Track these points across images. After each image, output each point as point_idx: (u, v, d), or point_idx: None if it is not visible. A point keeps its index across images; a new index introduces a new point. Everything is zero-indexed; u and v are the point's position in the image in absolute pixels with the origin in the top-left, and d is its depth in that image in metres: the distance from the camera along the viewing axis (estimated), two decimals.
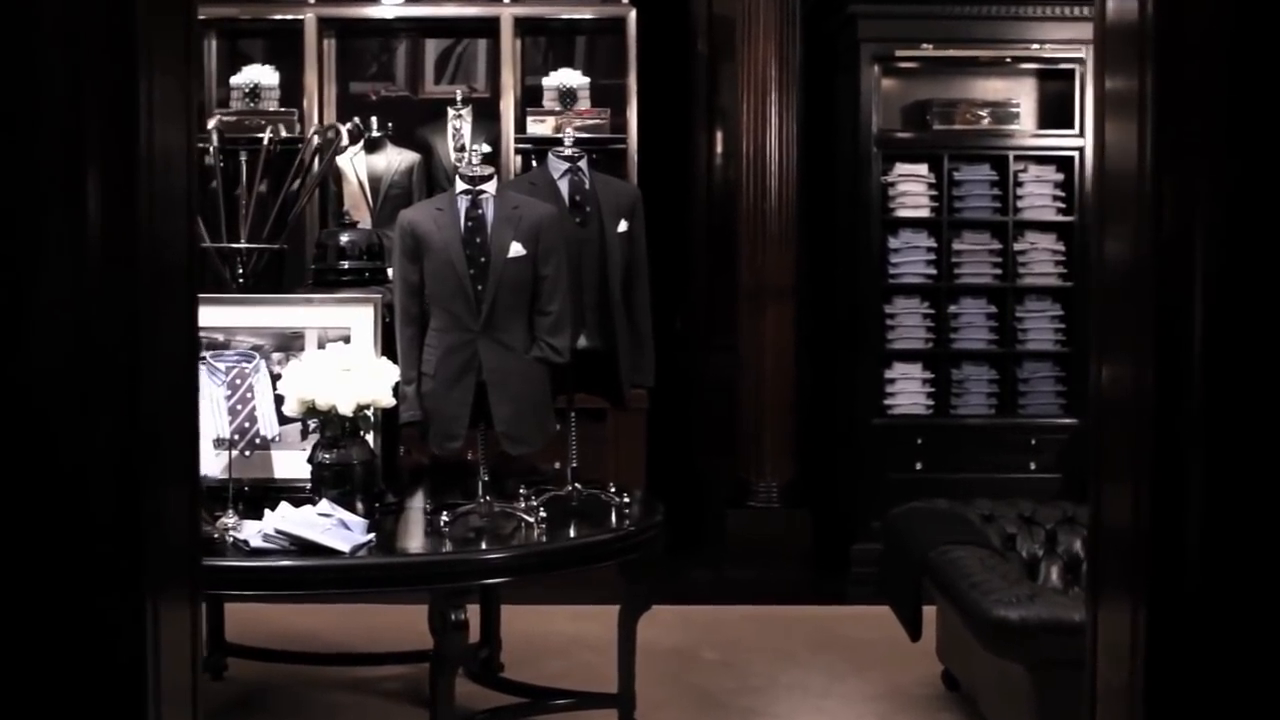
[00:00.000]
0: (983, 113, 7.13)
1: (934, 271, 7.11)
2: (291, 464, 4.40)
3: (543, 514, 4.33)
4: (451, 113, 6.62)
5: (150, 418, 2.03)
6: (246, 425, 4.27)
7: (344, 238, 4.82)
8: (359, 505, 4.20)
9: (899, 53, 7.06)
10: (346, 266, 4.78)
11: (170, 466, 2.13)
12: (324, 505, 4.12)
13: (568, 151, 4.72)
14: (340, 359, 4.28)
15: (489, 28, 7.04)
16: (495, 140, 6.72)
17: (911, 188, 7.10)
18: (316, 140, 5.56)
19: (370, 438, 4.33)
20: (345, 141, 5.69)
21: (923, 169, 7.11)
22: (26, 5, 1.96)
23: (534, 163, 6.42)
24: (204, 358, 4.34)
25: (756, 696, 5.26)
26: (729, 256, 7.40)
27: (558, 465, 4.76)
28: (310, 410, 4.24)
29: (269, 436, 4.32)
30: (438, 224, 4.39)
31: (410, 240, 4.40)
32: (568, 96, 6.83)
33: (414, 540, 4.34)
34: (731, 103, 7.45)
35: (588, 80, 6.91)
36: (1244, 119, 2.03)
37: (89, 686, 2.02)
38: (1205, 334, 2.03)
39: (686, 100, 7.94)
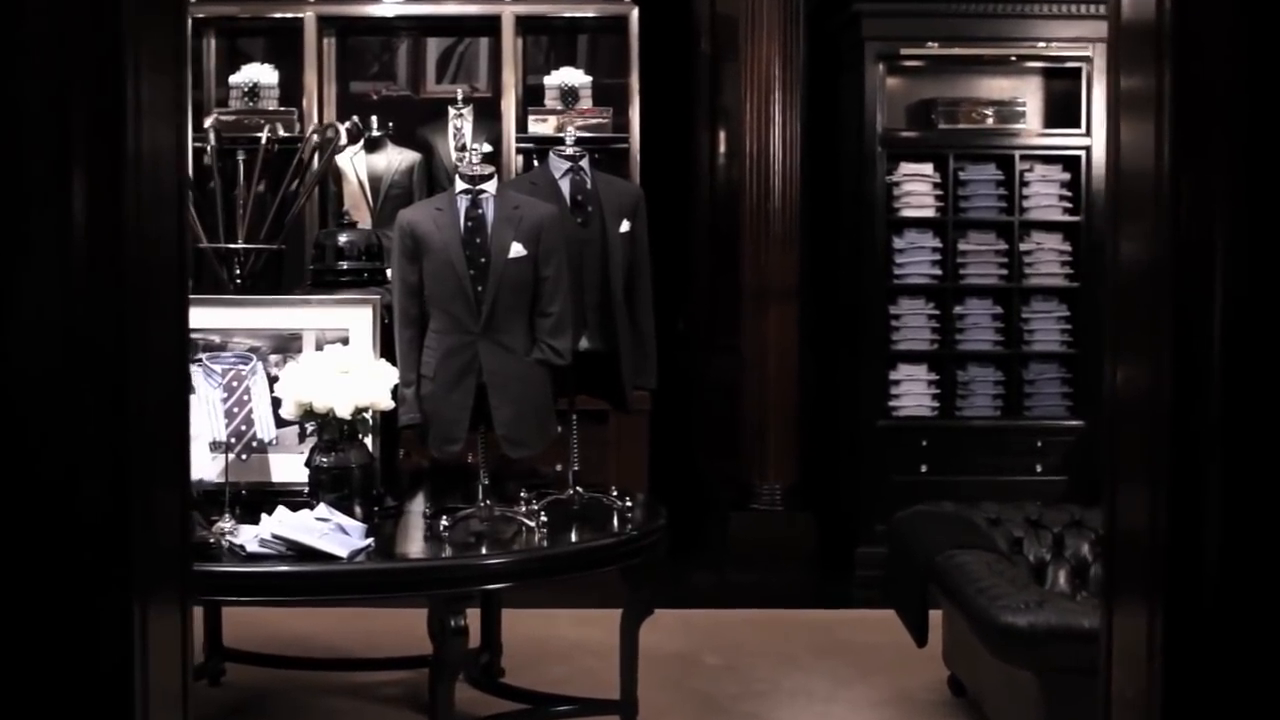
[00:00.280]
0: (988, 112, 7.08)
1: (939, 272, 7.06)
2: (289, 467, 4.36)
3: (544, 518, 4.28)
4: (452, 112, 6.58)
5: (139, 419, 2.01)
6: (243, 428, 4.22)
7: (342, 238, 4.78)
8: (357, 509, 4.16)
9: (904, 51, 7.02)
10: (345, 267, 4.74)
11: (160, 468, 2.11)
12: (321, 509, 4.08)
13: (569, 151, 4.67)
14: (338, 361, 4.24)
15: (490, 26, 7.01)
16: (496, 140, 6.68)
17: (916, 187, 7.06)
18: (315, 139, 5.52)
19: (369, 441, 4.29)
20: (344, 141, 5.65)
21: (927, 168, 7.07)
22: (9, 4, 1.94)
23: (535, 162, 6.37)
24: (200, 359, 4.30)
25: (760, 702, 5.21)
26: (732, 257, 7.36)
27: (559, 468, 4.73)
28: (308, 413, 4.20)
29: (266, 439, 4.27)
30: (437, 224, 4.34)
31: (409, 240, 4.35)
32: (569, 96, 6.80)
33: (413, 545, 4.30)
34: (735, 102, 7.41)
35: (590, 79, 6.87)
36: (1263, 117, 2.00)
37: (75, 690, 1.99)
38: (1224, 334, 2.01)
39: (689, 99, 7.90)
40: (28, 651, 1.98)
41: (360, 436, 4.25)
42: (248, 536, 3.93)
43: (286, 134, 6.34)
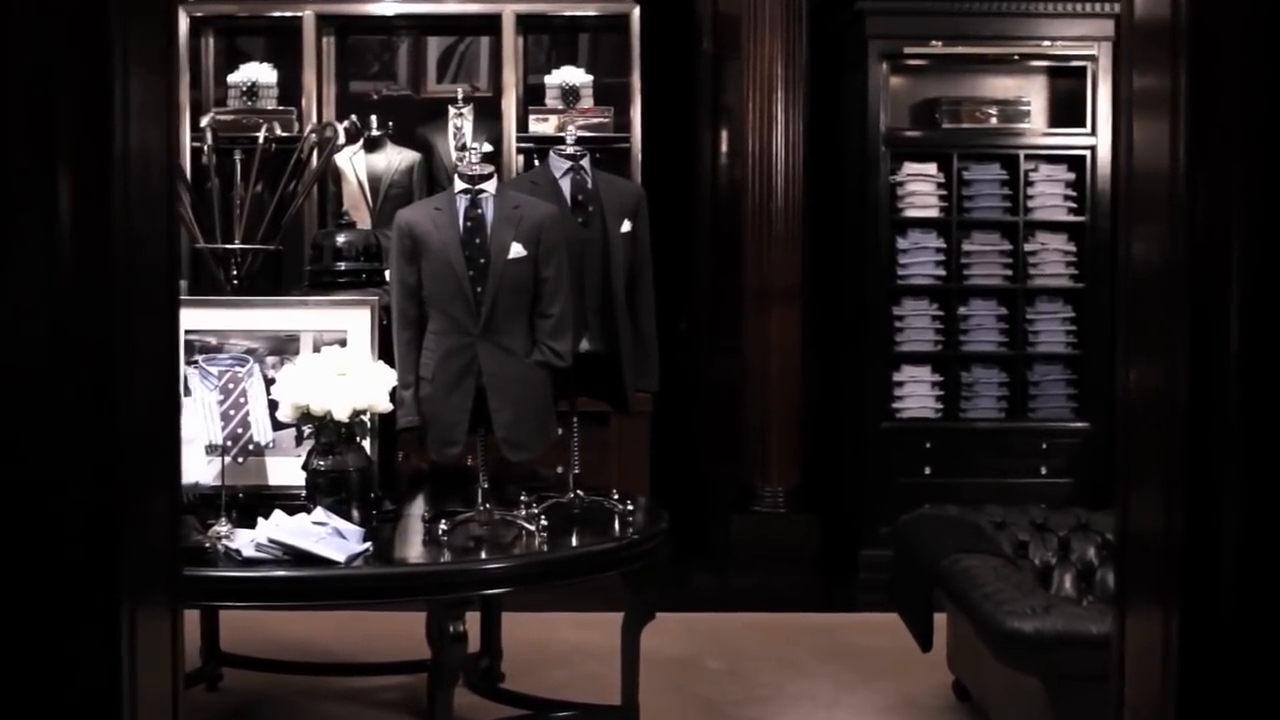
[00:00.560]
0: (992, 111, 7.05)
1: (943, 272, 7.02)
2: (286, 471, 4.32)
3: (544, 522, 4.23)
4: (452, 111, 6.54)
5: (127, 421, 1.99)
6: (240, 431, 4.17)
7: (340, 238, 4.75)
8: (355, 513, 4.12)
9: (907, 50, 6.98)
10: (343, 268, 4.71)
11: (149, 471, 2.09)
12: (319, 513, 4.04)
13: (570, 150, 4.63)
14: (336, 363, 4.20)
15: (491, 25, 6.98)
16: (497, 139, 6.65)
17: (920, 187, 7.02)
18: (313, 139, 5.47)
19: (366, 444, 4.25)
20: (342, 140, 5.61)
21: (931, 168, 7.03)
22: None
23: (536, 162, 6.33)
24: (196, 361, 4.27)
25: (763, 707, 5.17)
26: (734, 257, 7.32)
27: (559, 471, 4.70)
28: (305, 415, 4.16)
29: (263, 443, 4.22)
30: (436, 224, 4.30)
31: (408, 241, 4.30)
32: (570, 95, 6.77)
33: (411, 549, 4.26)
34: (737, 101, 7.38)
35: (591, 78, 6.84)
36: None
37: (62, 697, 1.97)
38: (1242, 334, 1.98)
39: (691, 99, 7.86)
40: (12, 658, 1.95)
41: (358, 439, 4.21)
42: (244, 540, 3.88)
43: (285, 133, 6.29)
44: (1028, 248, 7.04)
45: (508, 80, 6.83)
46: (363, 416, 4.18)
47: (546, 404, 4.40)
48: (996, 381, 7.04)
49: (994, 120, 7.04)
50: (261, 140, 5.40)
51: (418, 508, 4.58)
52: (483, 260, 4.25)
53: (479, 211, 4.30)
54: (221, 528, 3.96)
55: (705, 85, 7.85)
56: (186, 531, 3.80)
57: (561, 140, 4.77)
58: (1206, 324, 1.99)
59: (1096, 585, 4.89)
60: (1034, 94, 7.19)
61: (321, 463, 4.15)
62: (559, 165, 4.60)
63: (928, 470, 6.88)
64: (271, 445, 4.27)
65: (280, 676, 5.29)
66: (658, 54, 7.13)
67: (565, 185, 4.58)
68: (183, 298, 4.73)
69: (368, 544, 3.98)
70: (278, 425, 4.25)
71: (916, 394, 6.99)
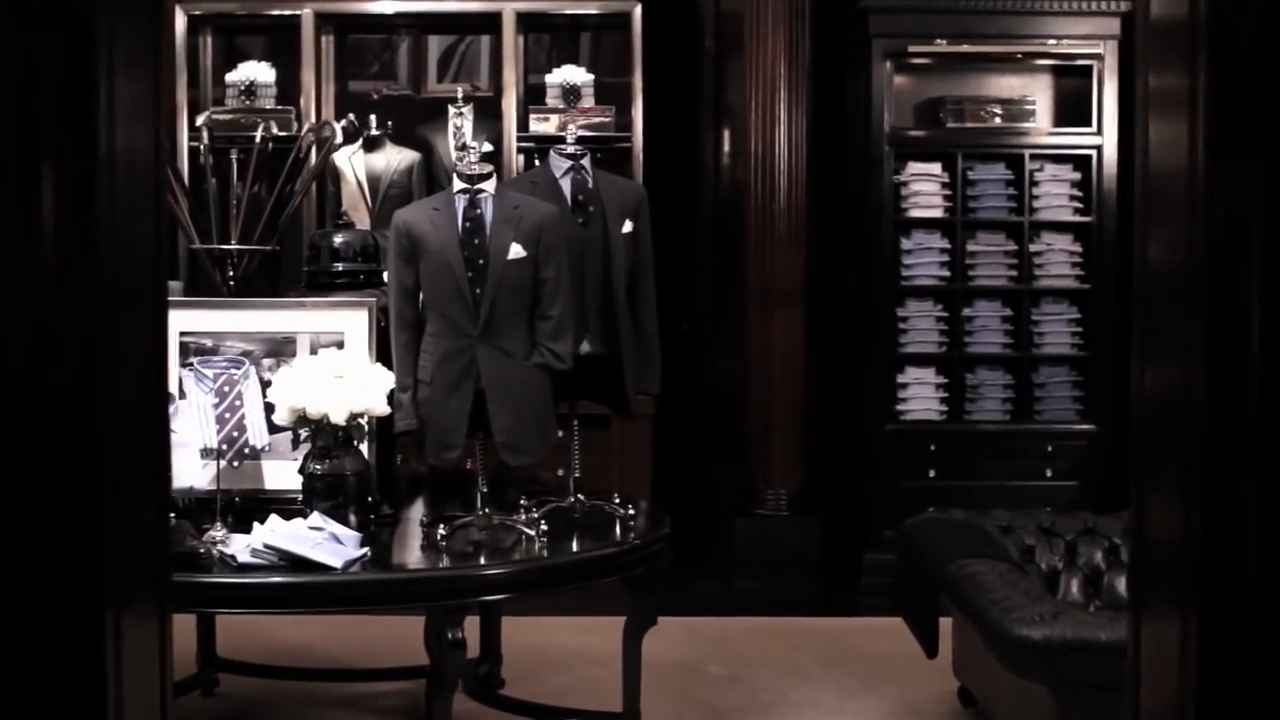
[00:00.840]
0: (997, 110, 7.01)
1: (947, 273, 6.98)
2: (282, 475, 4.27)
3: (544, 527, 4.18)
4: (452, 111, 6.51)
5: (112, 426, 1.96)
6: (235, 434, 4.13)
7: (338, 239, 4.71)
8: (352, 518, 4.07)
9: (911, 49, 6.95)
10: (340, 269, 4.68)
11: (136, 474, 2.06)
12: (315, 518, 3.99)
13: (571, 150, 4.59)
14: (333, 365, 4.16)
15: (491, 24, 6.96)
16: (497, 139, 6.62)
17: (924, 187, 6.99)
18: (311, 138, 5.43)
19: (364, 447, 4.20)
20: (340, 140, 5.57)
21: (936, 168, 6.99)
22: None
23: (536, 161, 6.30)
24: (191, 364, 4.23)
25: (766, 713, 5.13)
26: (737, 258, 7.29)
27: (560, 474, 4.66)
28: (302, 419, 4.11)
29: (259, 446, 4.18)
30: (434, 224, 4.24)
31: (406, 241, 4.25)
32: (571, 94, 6.75)
33: (410, 555, 4.21)
34: (739, 101, 7.34)
35: (592, 78, 6.82)
36: None
37: (46, 706, 1.94)
38: (1263, 333, 1.95)
39: (693, 98, 7.83)
40: None
41: (355, 443, 4.16)
42: (239, 546, 3.83)
43: (283, 133, 6.25)
44: (1033, 248, 6.99)
45: (508, 79, 6.81)
46: (360, 420, 4.13)
47: (546, 407, 4.35)
48: (1001, 383, 6.99)
49: (999, 120, 7.00)
50: (259, 140, 5.36)
51: (416, 512, 4.53)
52: (481, 261, 4.19)
53: (478, 212, 4.25)
54: (217, 533, 3.90)
55: (707, 84, 7.82)
56: (181, 536, 3.76)
57: (562, 140, 4.73)
58: (1226, 324, 1.96)
59: (1104, 591, 4.84)
60: (1039, 93, 7.15)
61: (318, 466, 4.10)
62: (559, 165, 4.56)
63: (932, 473, 6.84)
64: (268, 449, 4.22)
65: (277, 683, 5.24)
66: (659, 53, 7.12)
67: (566, 185, 4.53)
68: (179, 299, 4.71)
69: (365, 549, 3.92)
70: (274, 428, 4.20)
71: (921, 396, 6.95)
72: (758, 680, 5.47)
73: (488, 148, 4.55)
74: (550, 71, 6.87)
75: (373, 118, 6.39)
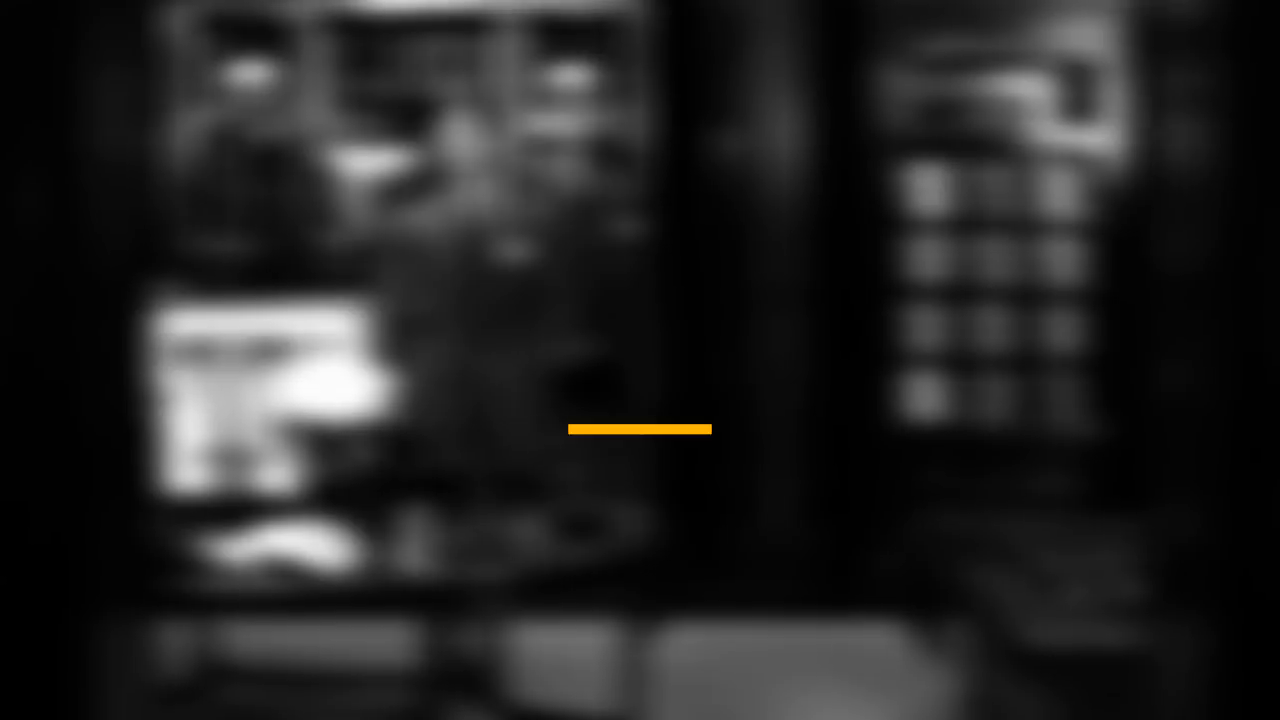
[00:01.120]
0: (1002, 109, 6.98)
1: (951, 274, 6.94)
2: (278, 478, 4.23)
3: (545, 530, 4.17)
4: (452, 110, 6.49)
5: (89, 430, 1.94)
6: (231, 437, 4.10)
7: (336, 239, 4.68)
8: (350, 522, 4.05)
9: (914, 46, 6.91)
10: (339, 269, 4.65)
11: (115, 480, 2.04)
12: (312, 523, 3.99)
13: (572, 149, 4.54)
14: (331, 366, 4.14)
15: (493, 23, 6.93)
16: (498, 139, 6.58)
17: (927, 186, 6.95)
18: (309, 138, 5.41)
19: (362, 450, 4.16)
20: (339, 140, 5.55)
21: (939, 167, 6.95)
22: None
23: (537, 162, 6.28)
24: (188, 364, 4.20)
25: (769, 718, 5.13)
26: (738, 257, 7.24)
27: (561, 478, 4.63)
28: (299, 421, 4.09)
29: (255, 448, 4.14)
30: (434, 225, 4.21)
31: (403, 241, 4.22)
32: (573, 94, 6.71)
33: (407, 560, 4.17)
34: (741, 99, 7.30)
35: (593, 77, 6.78)
36: None
37: (22, 711, 1.93)
38: None
39: (695, 97, 7.79)
40: None
41: (353, 445, 4.13)
42: (234, 551, 3.81)
43: (280, 132, 6.24)
44: (1038, 249, 6.96)
45: (508, 79, 6.78)
46: (358, 421, 4.10)
47: (547, 409, 4.32)
48: (1007, 386, 6.95)
49: (1003, 118, 6.97)
50: (257, 139, 5.34)
51: (414, 516, 4.48)
52: (481, 262, 4.16)
53: (478, 212, 4.22)
54: (212, 537, 3.88)
55: (709, 83, 7.78)
56: (175, 541, 3.75)
57: (563, 139, 4.69)
58: (1252, 325, 1.93)
59: (1114, 596, 4.79)
60: (1045, 92, 7.11)
61: (316, 469, 4.09)
62: (561, 165, 4.52)
63: (938, 476, 6.81)
64: (264, 452, 4.19)
65: (274, 689, 5.25)
66: (662, 51, 7.08)
67: (567, 185, 4.50)
68: (175, 299, 4.69)
69: (363, 555, 3.90)
70: (271, 431, 4.18)
71: (926, 398, 6.92)
72: (761, 683, 5.45)
73: (487, 148, 4.51)
74: (552, 71, 6.83)
75: (370, 117, 6.36)
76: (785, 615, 6.35)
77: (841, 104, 7.26)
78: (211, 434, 4.09)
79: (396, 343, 4.30)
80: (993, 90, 7.05)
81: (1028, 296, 6.94)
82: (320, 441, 4.10)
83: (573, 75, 6.76)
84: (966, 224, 6.93)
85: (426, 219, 4.25)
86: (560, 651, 5.70)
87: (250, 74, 6.66)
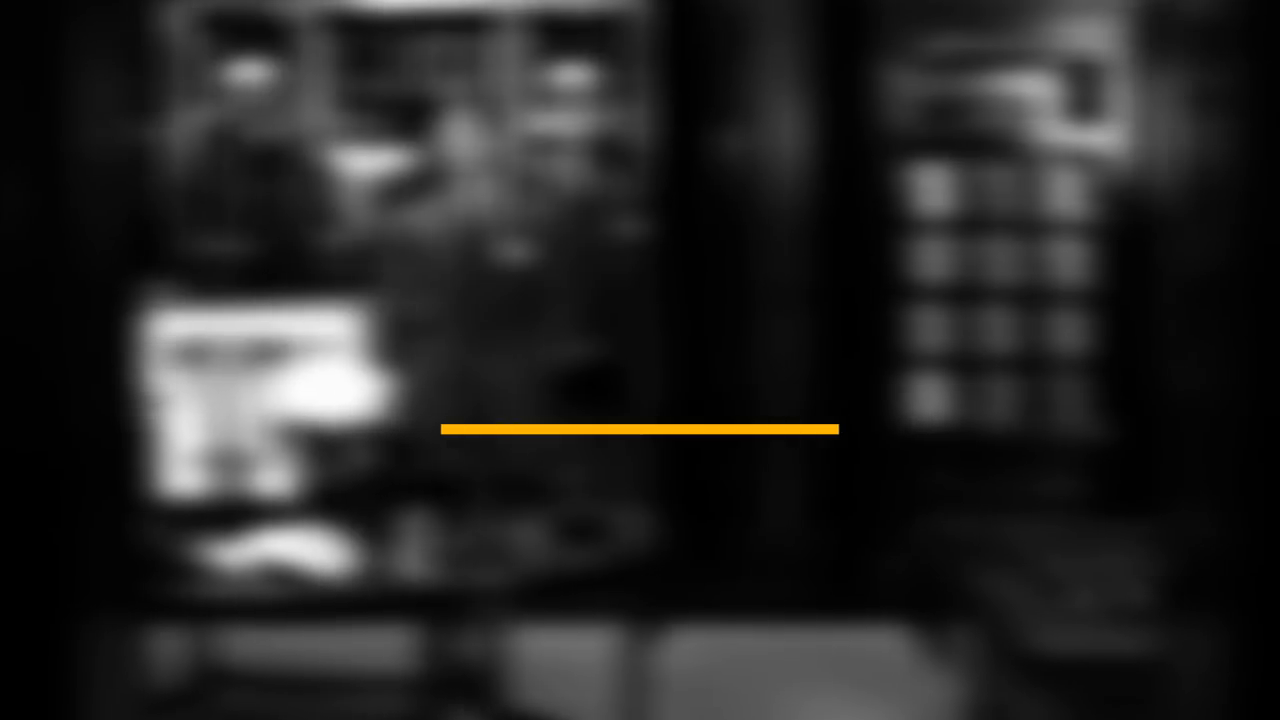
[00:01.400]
0: (1007, 108, 6.95)
1: (956, 274, 6.91)
2: (275, 481, 4.19)
3: (546, 534, 4.13)
4: (453, 110, 6.47)
5: (78, 431, 1.91)
6: (228, 440, 4.06)
7: (334, 240, 4.65)
8: (348, 526, 4.01)
9: (919, 45, 6.89)
10: (337, 270, 4.62)
11: (104, 483, 2.01)
12: (310, 527, 3.95)
13: (573, 149, 4.50)
14: (329, 368, 4.11)
15: (494, 22, 6.91)
16: (498, 138, 6.56)
17: (932, 186, 6.92)
18: (308, 137, 5.38)
19: (360, 453, 4.12)
20: (338, 139, 5.52)
21: (943, 167, 6.93)
22: None
23: (538, 161, 6.26)
24: (185, 366, 4.16)
25: None
26: (741, 258, 7.22)
27: (562, 480, 4.59)
28: (296, 424, 4.05)
29: (252, 452, 4.10)
30: (434, 225, 4.18)
31: (403, 242, 4.18)
32: (574, 93, 6.69)
33: (406, 564, 4.12)
34: (744, 98, 7.27)
35: (595, 76, 6.76)
36: None
37: (11, 716, 1.91)
38: None
39: (698, 96, 7.76)
40: None
41: (351, 448, 4.09)
42: (230, 556, 3.76)
43: (279, 132, 6.21)
44: (1043, 249, 6.93)
45: (510, 78, 6.75)
46: (356, 424, 4.07)
47: (548, 411, 4.29)
48: (1013, 387, 6.92)
49: (1009, 118, 6.95)
50: (256, 138, 5.31)
51: (413, 520, 4.44)
52: (481, 262, 4.13)
53: (478, 212, 4.18)
54: (209, 542, 3.84)
55: (712, 81, 7.76)
56: (171, 546, 3.71)
57: (564, 139, 4.66)
58: (1270, 327, 1.90)
59: (1122, 601, 4.75)
60: (1050, 90, 7.08)
61: (313, 473, 4.05)
62: (562, 164, 4.48)
63: (942, 478, 6.78)
64: (262, 455, 4.15)
65: (273, 694, 5.23)
66: (664, 50, 7.05)
67: (568, 185, 4.46)
68: (173, 300, 4.65)
69: (361, 560, 3.86)
70: (268, 434, 4.14)
71: (930, 399, 6.89)
72: (765, 688, 5.43)
73: (488, 147, 4.48)
74: (553, 69, 6.80)
75: (370, 117, 6.33)
76: (789, 619, 6.33)
77: (845, 103, 7.26)
78: (208, 437, 4.05)
79: (395, 344, 4.26)
80: (998, 89, 7.04)
81: (1033, 297, 6.93)
82: (318, 445, 4.06)
83: (574, 74, 6.76)
84: (971, 224, 6.93)
85: (426, 219, 4.20)
86: (561, 656, 5.69)
87: (249, 73, 6.64)
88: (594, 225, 4.39)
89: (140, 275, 2.23)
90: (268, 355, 4.33)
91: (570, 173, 4.41)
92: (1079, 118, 7.00)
